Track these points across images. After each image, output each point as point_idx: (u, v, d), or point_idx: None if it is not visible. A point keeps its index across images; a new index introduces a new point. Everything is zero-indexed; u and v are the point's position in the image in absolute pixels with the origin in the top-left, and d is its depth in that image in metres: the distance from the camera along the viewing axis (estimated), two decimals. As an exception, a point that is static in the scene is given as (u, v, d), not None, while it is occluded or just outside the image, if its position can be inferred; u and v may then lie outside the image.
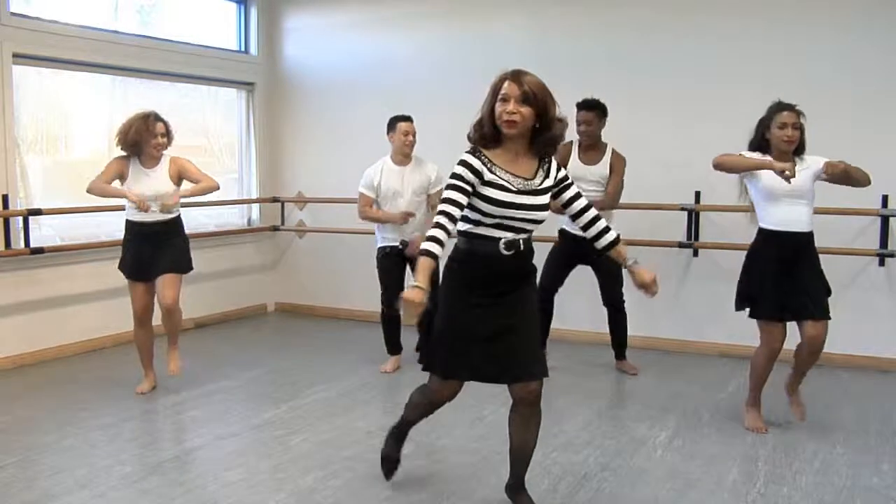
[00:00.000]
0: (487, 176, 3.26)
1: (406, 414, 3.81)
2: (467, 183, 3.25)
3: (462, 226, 3.35)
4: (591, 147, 5.70)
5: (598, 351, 6.44)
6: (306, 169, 8.09)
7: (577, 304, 6.01)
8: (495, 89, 3.27)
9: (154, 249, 5.24)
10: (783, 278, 4.51)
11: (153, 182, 5.22)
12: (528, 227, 3.36)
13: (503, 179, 3.27)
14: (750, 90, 6.16)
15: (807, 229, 4.53)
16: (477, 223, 3.32)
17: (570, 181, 3.47)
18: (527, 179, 3.31)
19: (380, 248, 5.89)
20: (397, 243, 5.76)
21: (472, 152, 3.32)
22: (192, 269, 5.46)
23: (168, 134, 5.28)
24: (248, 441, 4.59)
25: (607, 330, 6.41)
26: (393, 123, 5.80)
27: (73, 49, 6.31)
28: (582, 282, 5.93)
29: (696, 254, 6.54)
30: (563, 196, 3.46)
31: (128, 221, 5.30)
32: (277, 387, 5.56)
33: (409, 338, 5.74)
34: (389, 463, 3.89)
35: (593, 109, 5.66)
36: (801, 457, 4.30)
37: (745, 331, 6.22)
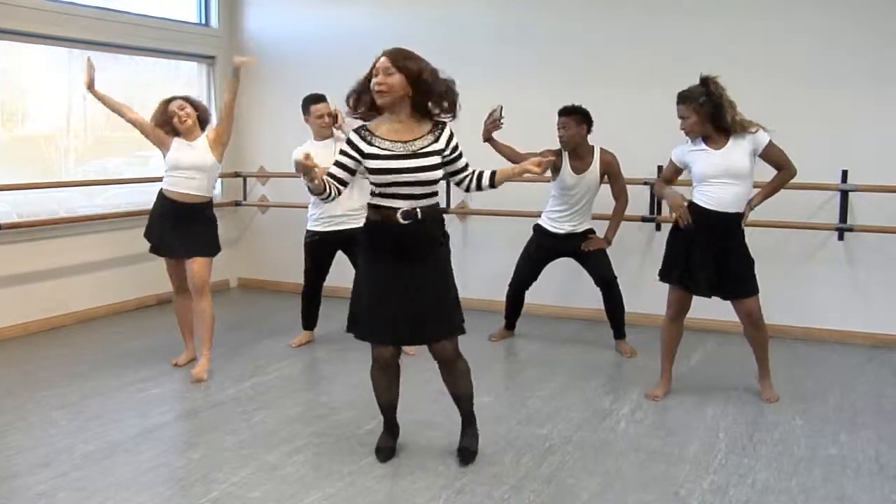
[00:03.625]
0: (367, 149, 3.57)
1: (375, 394, 3.95)
2: (350, 157, 3.60)
3: (368, 198, 3.66)
4: (578, 154, 5.65)
5: (562, 324, 6.49)
6: (268, 143, 8.02)
7: (541, 278, 6.02)
8: (373, 65, 3.59)
9: (183, 226, 5.22)
10: (708, 255, 4.58)
11: (196, 155, 5.21)
12: (420, 191, 3.58)
13: (383, 148, 3.56)
14: (709, 64, 6.18)
15: (734, 210, 4.55)
16: (374, 194, 3.64)
17: (460, 153, 3.70)
18: (408, 142, 3.57)
19: (307, 231, 5.87)
20: (326, 228, 5.72)
21: (357, 130, 3.65)
22: (219, 250, 5.44)
23: (192, 104, 5.27)
24: (212, 418, 4.56)
25: (572, 304, 6.47)
26: (306, 106, 5.73)
27: (29, 21, 6.18)
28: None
29: (658, 228, 6.57)
30: (453, 166, 3.72)
31: (160, 193, 5.31)
32: (240, 363, 5.52)
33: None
34: (380, 452, 3.97)
35: (569, 114, 5.59)
36: (761, 428, 4.36)
37: (706, 305, 6.30)
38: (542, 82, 6.64)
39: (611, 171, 5.70)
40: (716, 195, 4.53)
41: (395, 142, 3.57)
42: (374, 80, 3.53)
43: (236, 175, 8.11)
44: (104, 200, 7.03)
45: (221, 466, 3.86)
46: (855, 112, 5.93)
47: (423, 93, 3.57)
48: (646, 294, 6.49)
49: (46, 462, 3.89)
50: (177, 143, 5.23)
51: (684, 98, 4.58)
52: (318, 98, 5.73)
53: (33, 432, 4.28)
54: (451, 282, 3.76)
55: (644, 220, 6.51)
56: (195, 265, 5.23)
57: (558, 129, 5.62)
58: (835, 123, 5.89)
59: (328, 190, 3.57)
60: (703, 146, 4.57)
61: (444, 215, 3.84)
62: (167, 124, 5.21)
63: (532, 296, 6.09)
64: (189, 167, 5.18)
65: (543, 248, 5.85)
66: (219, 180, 8.07)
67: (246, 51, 8.00)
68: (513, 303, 6.08)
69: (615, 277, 5.75)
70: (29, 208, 6.43)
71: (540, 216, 5.91)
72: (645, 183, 6.43)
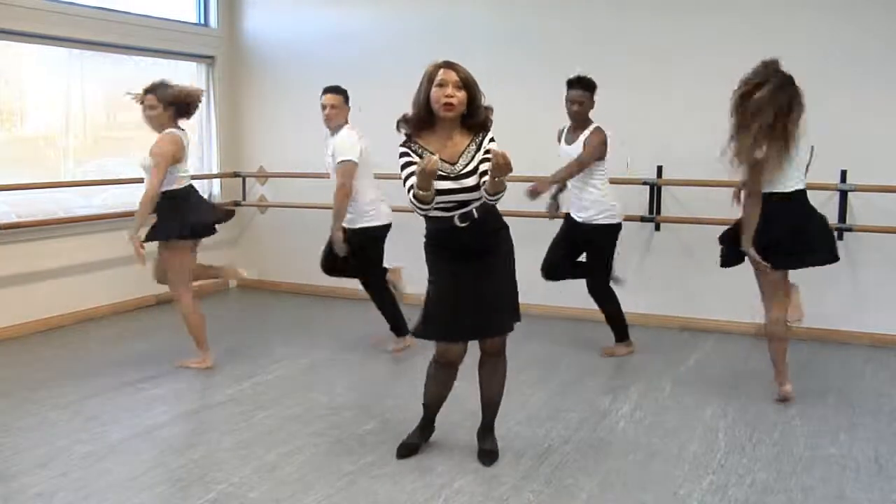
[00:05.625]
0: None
1: (424, 392, 3.99)
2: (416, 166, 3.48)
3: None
4: (579, 127, 5.52)
5: (561, 325, 6.47)
6: (267, 143, 8.02)
7: (541, 279, 6.02)
8: (430, 77, 3.55)
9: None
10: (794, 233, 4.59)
11: (144, 154, 5.12)
12: (470, 199, 3.59)
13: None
14: (709, 65, 6.20)
15: (802, 186, 4.58)
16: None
17: (489, 156, 3.52)
18: (454, 164, 3.57)
19: (373, 227, 5.67)
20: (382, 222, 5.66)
21: (406, 144, 3.63)
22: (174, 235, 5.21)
23: (170, 103, 5.12)
24: (211, 418, 4.56)
25: (571, 304, 6.46)
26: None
27: (29, 21, 6.17)
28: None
29: (657, 228, 6.57)
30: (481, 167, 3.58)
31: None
32: (239, 363, 5.52)
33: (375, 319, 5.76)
34: (404, 448, 3.99)
35: (587, 88, 5.45)
36: (760, 428, 4.36)
37: (705, 304, 6.31)
38: (541, 82, 6.63)
39: (585, 144, 5.44)
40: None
41: (444, 161, 3.55)
42: (440, 91, 3.51)
43: (235, 175, 8.10)
44: (102, 201, 7.02)
45: (220, 466, 3.86)
46: (854, 112, 5.92)
47: (472, 115, 3.61)
48: (645, 294, 6.50)
49: (45, 462, 3.88)
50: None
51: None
52: (328, 88, 5.63)
53: (32, 432, 4.27)
54: (513, 272, 3.82)
55: (643, 219, 6.51)
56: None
57: (570, 101, 5.44)
58: (834, 123, 5.87)
59: (433, 199, 3.51)
60: None
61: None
62: (186, 111, 5.17)
63: (530, 296, 6.06)
64: (140, 162, 5.17)
65: (566, 235, 5.69)
66: (217, 180, 8.08)
67: (245, 51, 8.02)
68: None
69: (601, 289, 5.64)
70: (28, 209, 6.41)
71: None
72: (644, 183, 6.43)
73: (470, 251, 3.67)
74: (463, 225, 3.61)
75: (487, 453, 3.93)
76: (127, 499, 3.52)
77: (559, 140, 5.67)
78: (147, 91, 5.12)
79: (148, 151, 5.06)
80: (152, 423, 4.46)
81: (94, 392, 4.93)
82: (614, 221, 5.54)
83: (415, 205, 3.53)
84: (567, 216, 5.70)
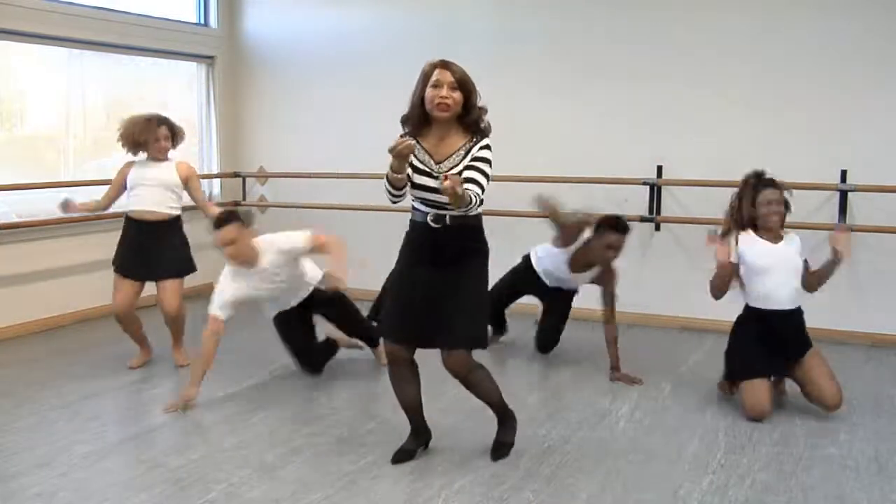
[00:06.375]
0: (411, 158, 3.51)
1: (395, 394, 3.94)
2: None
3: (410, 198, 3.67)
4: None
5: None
6: (267, 143, 8.02)
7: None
8: (426, 76, 3.55)
9: (151, 248, 5.32)
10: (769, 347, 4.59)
11: (159, 173, 5.31)
12: (447, 205, 3.49)
13: (420, 160, 3.58)
14: (709, 64, 6.21)
15: (791, 307, 4.58)
16: (413, 197, 3.67)
17: (476, 164, 3.53)
18: (441, 162, 3.57)
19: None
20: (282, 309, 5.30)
21: (406, 135, 3.58)
22: (194, 269, 5.62)
23: (174, 136, 5.37)
24: (211, 418, 4.56)
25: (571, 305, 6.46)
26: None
27: (29, 21, 6.17)
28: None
29: (657, 228, 6.57)
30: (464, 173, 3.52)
31: (126, 217, 5.44)
32: (238, 364, 5.51)
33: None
34: (400, 452, 3.94)
35: (627, 233, 5.18)
36: (760, 428, 4.35)
37: (705, 305, 6.29)
38: (541, 82, 6.64)
39: (606, 282, 5.28)
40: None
41: (432, 158, 3.58)
42: (434, 92, 3.50)
43: (235, 175, 8.10)
44: (102, 201, 7.02)
45: (220, 466, 3.85)
46: (855, 112, 5.93)
47: (468, 114, 3.58)
48: (645, 294, 6.50)
49: (45, 462, 3.88)
50: (139, 164, 5.36)
51: (777, 184, 4.55)
52: (221, 220, 4.94)
53: (31, 432, 4.27)
54: (478, 295, 3.75)
55: (643, 220, 6.50)
56: (167, 287, 5.44)
57: (610, 246, 5.14)
58: (834, 123, 5.89)
59: (406, 187, 3.53)
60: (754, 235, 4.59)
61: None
62: (144, 144, 5.25)
63: (530, 297, 6.06)
64: (153, 180, 5.29)
65: (517, 277, 5.66)
66: (217, 180, 8.08)
67: (245, 51, 8.01)
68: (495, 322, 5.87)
69: (554, 345, 5.69)
70: (27, 208, 6.41)
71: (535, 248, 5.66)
72: (644, 183, 6.42)
73: (439, 257, 3.63)
74: (435, 226, 3.60)
75: (497, 445, 3.96)
76: (126, 498, 3.52)
77: (564, 263, 5.42)
78: (161, 123, 5.30)
79: (168, 175, 5.34)
80: (152, 423, 4.46)
81: (94, 392, 4.93)
82: None
83: (386, 188, 3.52)
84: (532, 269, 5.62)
